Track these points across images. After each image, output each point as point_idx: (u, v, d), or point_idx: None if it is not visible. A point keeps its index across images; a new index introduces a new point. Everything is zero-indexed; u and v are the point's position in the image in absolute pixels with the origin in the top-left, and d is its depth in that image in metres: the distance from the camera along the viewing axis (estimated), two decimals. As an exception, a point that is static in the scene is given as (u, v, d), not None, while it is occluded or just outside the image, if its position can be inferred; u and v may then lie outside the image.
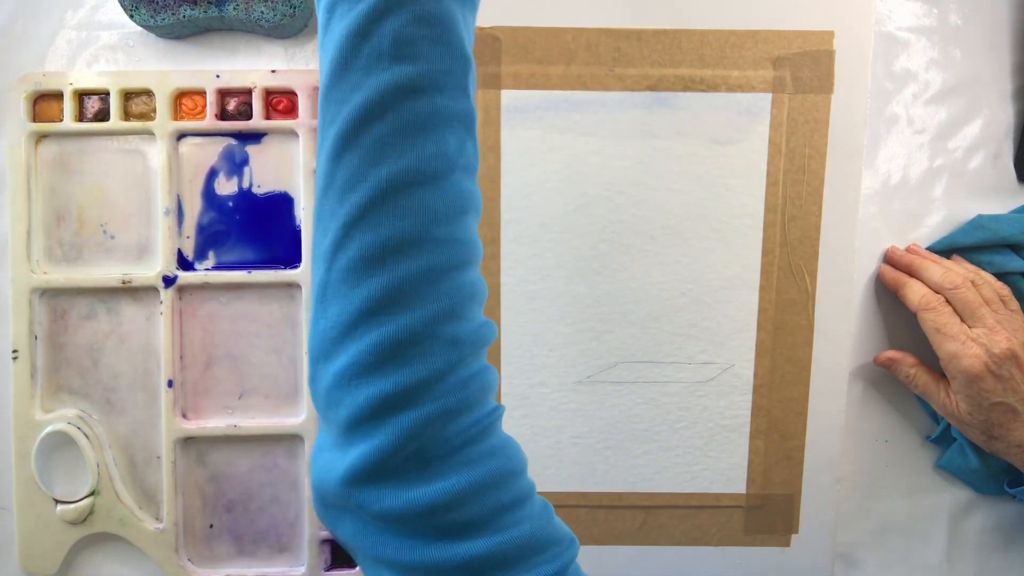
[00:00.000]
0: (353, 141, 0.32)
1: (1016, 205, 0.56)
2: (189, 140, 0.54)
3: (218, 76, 0.53)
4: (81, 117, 0.54)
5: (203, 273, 0.54)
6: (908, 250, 0.55)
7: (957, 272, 0.51)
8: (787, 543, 0.56)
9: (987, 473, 0.54)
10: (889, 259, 0.55)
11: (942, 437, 0.56)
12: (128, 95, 0.54)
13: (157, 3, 0.52)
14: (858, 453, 0.57)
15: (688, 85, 0.52)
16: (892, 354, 0.54)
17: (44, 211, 0.54)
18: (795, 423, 0.54)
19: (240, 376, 0.55)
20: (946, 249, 0.55)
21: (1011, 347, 0.48)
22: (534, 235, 0.53)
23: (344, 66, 0.33)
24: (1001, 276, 0.53)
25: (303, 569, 0.55)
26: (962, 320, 0.50)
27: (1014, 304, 0.51)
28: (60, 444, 0.54)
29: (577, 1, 0.51)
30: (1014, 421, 0.49)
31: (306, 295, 0.54)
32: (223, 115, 0.54)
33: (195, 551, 0.56)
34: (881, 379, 0.56)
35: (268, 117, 0.54)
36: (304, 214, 0.54)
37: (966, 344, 0.48)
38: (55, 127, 0.53)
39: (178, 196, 0.54)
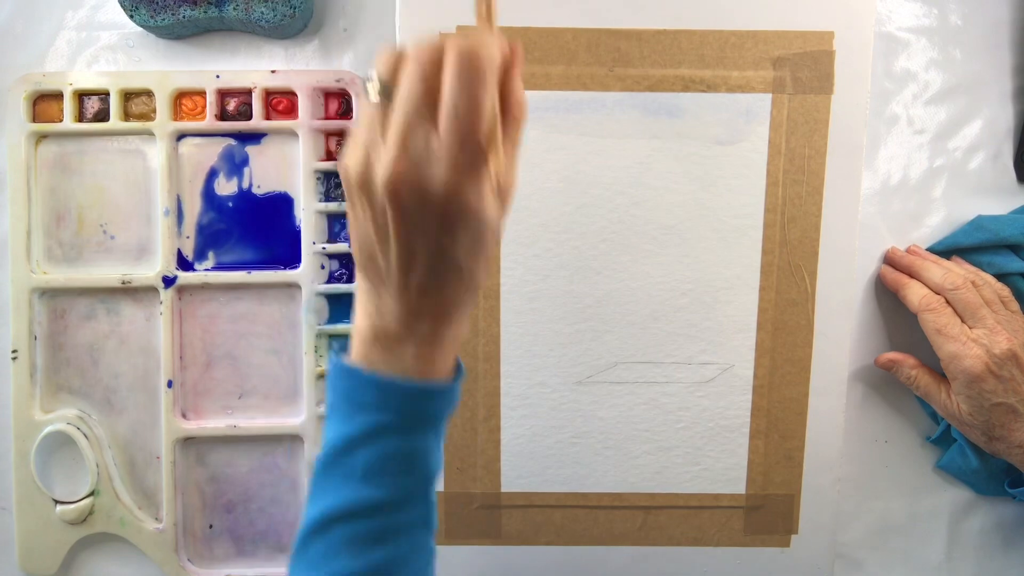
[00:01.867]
0: (318, 535, 0.34)
1: (1016, 205, 0.56)
2: (189, 140, 0.54)
3: (218, 76, 0.53)
4: (81, 117, 0.54)
5: (203, 273, 0.54)
6: (908, 251, 0.55)
7: (957, 273, 0.51)
8: (787, 543, 0.56)
9: (987, 474, 0.54)
10: (889, 260, 0.55)
11: (942, 438, 0.56)
12: (128, 95, 0.54)
13: (157, 3, 0.52)
14: (858, 453, 0.57)
15: (688, 85, 0.52)
16: (893, 356, 0.54)
17: (44, 211, 0.54)
18: (795, 423, 0.54)
19: (240, 376, 0.55)
20: (946, 250, 0.55)
21: (1012, 347, 0.48)
22: (534, 235, 0.53)
23: (324, 470, 0.35)
24: (1001, 277, 0.53)
25: (303, 569, 0.55)
26: (963, 321, 0.50)
27: (1014, 305, 0.51)
28: (60, 444, 0.54)
29: (577, 1, 0.51)
30: (1015, 422, 0.49)
31: (306, 295, 0.54)
32: (223, 115, 0.54)
33: (195, 551, 0.56)
34: (882, 380, 0.56)
35: (268, 117, 0.54)
36: (304, 214, 0.54)
37: (967, 345, 0.48)
38: (55, 127, 0.53)
39: (178, 196, 0.54)
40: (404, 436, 0.34)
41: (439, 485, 0.54)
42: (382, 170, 0.30)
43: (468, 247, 0.32)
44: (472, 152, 0.30)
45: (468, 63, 0.29)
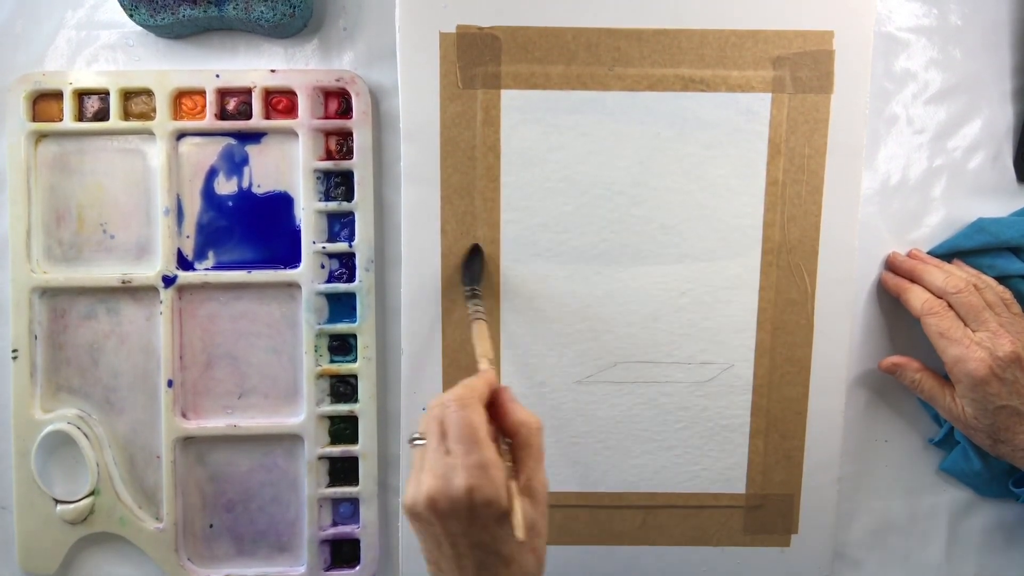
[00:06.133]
0: None
1: (1016, 205, 0.56)
2: (189, 140, 0.54)
3: (218, 76, 0.53)
4: (81, 117, 0.54)
5: (203, 273, 0.54)
6: (909, 255, 0.55)
7: (959, 276, 0.51)
8: (787, 543, 0.56)
9: (990, 476, 0.54)
10: (890, 265, 0.55)
11: (944, 440, 0.56)
12: (128, 95, 0.54)
13: (157, 3, 0.52)
14: (858, 453, 0.57)
15: (688, 85, 0.52)
16: (897, 359, 0.54)
17: (44, 211, 0.54)
18: (795, 423, 0.54)
19: (240, 376, 0.55)
20: (947, 253, 0.55)
21: (1015, 350, 0.48)
22: (534, 235, 0.53)
23: None
24: (1002, 279, 0.53)
25: (303, 569, 0.55)
26: (965, 324, 0.50)
27: (1016, 307, 0.51)
28: (60, 444, 0.54)
29: (577, 1, 0.51)
30: (1019, 424, 0.49)
31: (306, 295, 0.54)
32: (223, 115, 0.54)
33: (195, 551, 0.56)
34: (884, 384, 0.56)
35: (268, 117, 0.54)
36: (304, 214, 0.54)
37: (970, 348, 0.48)
38: (55, 127, 0.53)
39: (178, 196, 0.54)
40: None
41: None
42: (423, 492, 0.38)
43: (504, 537, 0.38)
44: (477, 456, 0.37)
45: (456, 400, 0.39)
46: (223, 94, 0.54)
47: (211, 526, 0.56)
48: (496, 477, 0.37)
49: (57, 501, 0.54)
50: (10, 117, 0.53)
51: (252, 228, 0.55)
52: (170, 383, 0.54)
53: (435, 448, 0.39)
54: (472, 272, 0.51)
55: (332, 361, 0.55)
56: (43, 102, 0.54)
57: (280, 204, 0.55)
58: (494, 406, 0.41)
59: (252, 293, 0.55)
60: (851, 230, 0.53)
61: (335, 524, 0.56)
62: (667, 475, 0.55)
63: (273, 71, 0.54)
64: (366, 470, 0.55)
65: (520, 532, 0.37)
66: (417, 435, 0.41)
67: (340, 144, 0.55)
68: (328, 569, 0.56)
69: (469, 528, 0.38)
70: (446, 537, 0.38)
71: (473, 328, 0.48)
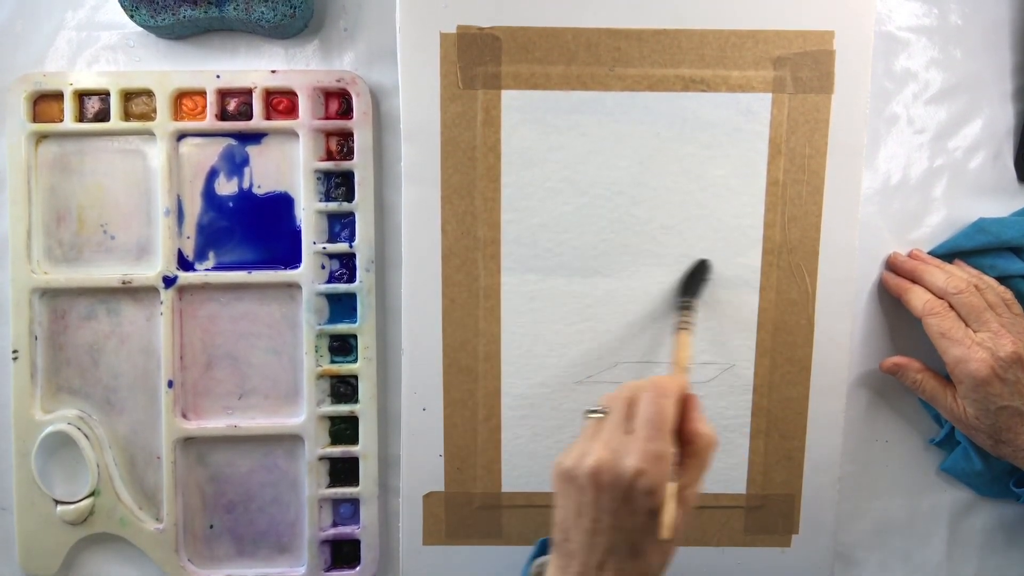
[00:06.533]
0: None
1: (1016, 205, 0.56)
2: (189, 140, 0.54)
3: (218, 76, 0.53)
4: (81, 117, 0.54)
5: (203, 273, 0.54)
6: (910, 255, 0.55)
7: (960, 277, 0.51)
8: (787, 543, 0.55)
9: (991, 476, 0.54)
10: (891, 265, 0.55)
11: (945, 440, 0.55)
12: (128, 95, 0.54)
13: (157, 3, 0.52)
14: (859, 453, 0.57)
15: (688, 85, 0.52)
16: (898, 360, 0.54)
17: (44, 211, 0.54)
18: (795, 423, 0.54)
19: (240, 376, 0.55)
20: (948, 253, 0.54)
21: (1016, 350, 0.48)
22: (534, 235, 0.53)
23: None
24: (1003, 280, 0.53)
25: (303, 569, 0.55)
26: (966, 325, 0.50)
27: (1017, 308, 0.51)
28: (60, 444, 0.54)
29: (577, 1, 0.51)
30: (1021, 425, 0.48)
31: (306, 295, 0.54)
32: (223, 115, 0.54)
33: (195, 551, 0.56)
34: (885, 384, 0.56)
35: (268, 117, 0.54)
36: (304, 214, 0.54)
37: (972, 348, 0.48)
38: (55, 127, 0.53)
39: (178, 196, 0.54)
40: None
41: (439, 486, 0.54)
42: (590, 460, 0.39)
43: (647, 529, 0.38)
44: (657, 445, 0.38)
45: (656, 387, 0.40)
46: (223, 95, 0.54)
47: (211, 527, 0.56)
48: (666, 471, 0.38)
49: (57, 502, 0.54)
50: (10, 117, 0.53)
51: (252, 229, 0.55)
52: (170, 384, 0.54)
53: (616, 424, 0.40)
54: (693, 286, 0.52)
55: (332, 361, 0.55)
56: (43, 103, 0.54)
57: (280, 204, 0.55)
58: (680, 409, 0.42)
59: (252, 294, 0.55)
60: (852, 230, 0.53)
61: (335, 525, 0.56)
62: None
63: (274, 72, 0.54)
64: (366, 471, 0.55)
65: (666, 532, 0.38)
66: (596, 408, 0.42)
67: (340, 144, 0.55)
68: (328, 570, 0.56)
69: (620, 508, 0.38)
70: (592, 509, 0.39)
71: (677, 337, 0.50)
